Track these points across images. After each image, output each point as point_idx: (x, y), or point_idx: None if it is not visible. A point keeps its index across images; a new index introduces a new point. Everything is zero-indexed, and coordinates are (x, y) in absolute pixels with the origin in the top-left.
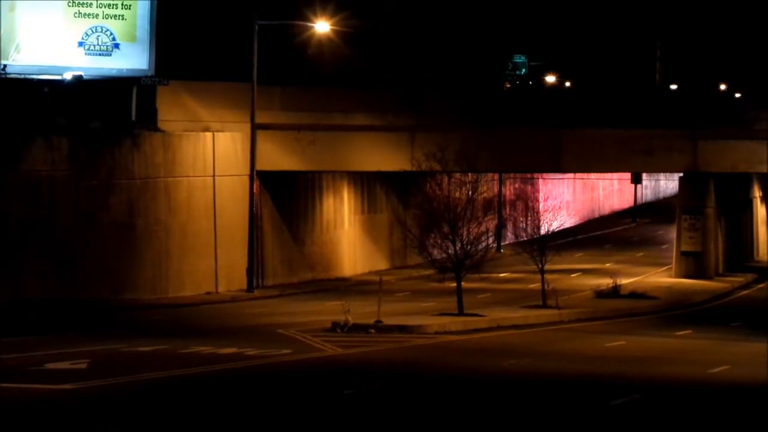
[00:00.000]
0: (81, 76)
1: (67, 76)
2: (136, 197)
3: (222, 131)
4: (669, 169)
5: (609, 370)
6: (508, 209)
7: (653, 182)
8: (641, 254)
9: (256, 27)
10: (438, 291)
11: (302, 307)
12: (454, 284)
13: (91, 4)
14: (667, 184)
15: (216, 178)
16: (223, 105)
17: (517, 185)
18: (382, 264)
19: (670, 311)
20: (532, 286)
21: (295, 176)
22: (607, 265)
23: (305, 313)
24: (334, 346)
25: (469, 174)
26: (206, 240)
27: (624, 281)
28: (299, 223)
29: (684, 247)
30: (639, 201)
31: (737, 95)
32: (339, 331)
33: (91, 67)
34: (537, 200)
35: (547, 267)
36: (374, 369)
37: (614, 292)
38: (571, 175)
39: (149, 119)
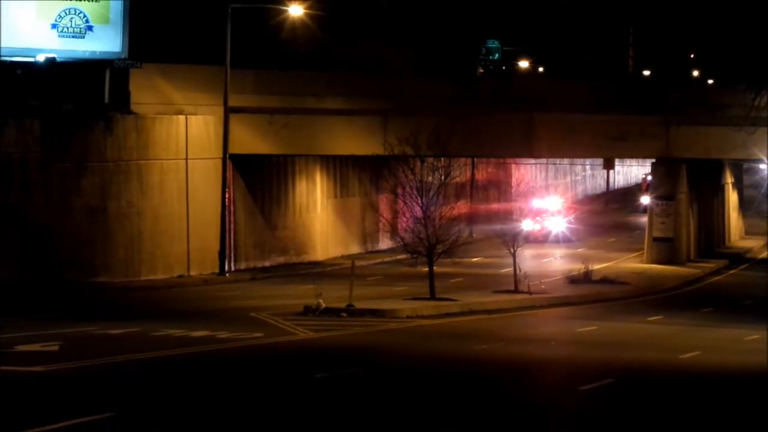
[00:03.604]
0: (54, 59)
1: (40, 58)
2: (109, 180)
3: (195, 114)
4: (641, 155)
5: (580, 354)
6: (480, 194)
7: (625, 168)
8: (613, 240)
9: (230, 10)
10: (410, 275)
11: (274, 290)
12: (427, 269)
13: None
14: (640, 170)
15: (189, 161)
16: (196, 88)
17: (489, 170)
18: (355, 248)
19: (642, 297)
20: (504, 271)
21: (268, 160)
22: (579, 250)
23: (277, 296)
24: (306, 329)
25: (442, 158)
26: (178, 223)
27: (596, 267)
28: (272, 207)
29: (656, 233)
30: (611, 187)
31: (710, 81)
32: (311, 314)
33: (64, 50)
34: (510, 185)
35: (519, 252)
36: (346, 353)
37: (586, 277)
38: (543, 160)
39: (122, 102)
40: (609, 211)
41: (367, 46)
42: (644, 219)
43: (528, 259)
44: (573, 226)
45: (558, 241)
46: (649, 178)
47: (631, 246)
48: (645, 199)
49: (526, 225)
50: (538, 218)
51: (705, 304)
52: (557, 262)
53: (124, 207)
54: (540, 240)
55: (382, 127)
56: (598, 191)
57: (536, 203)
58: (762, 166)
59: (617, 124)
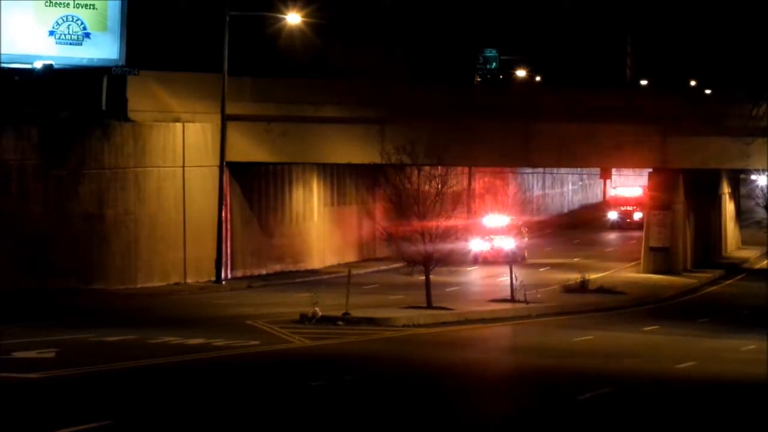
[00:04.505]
0: (51, 66)
1: (38, 65)
2: (106, 187)
3: (192, 122)
4: (638, 165)
5: (577, 364)
6: (477, 203)
7: (622, 178)
8: (609, 249)
9: (227, 18)
10: (407, 284)
11: (271, 298)
12: (423, 277)
13: None
14: (636, 179)
15: (186, 168)
16: (194, 96)
17: (486, 179)
18: (351, 256)
19: (638, 307)
20: (500, 280)
21: (264, 167)
22: (576, 259)
23: (274, 304)
24: (302, 337)
25: (439, 167)
26: (175, 230)
27: (592, 276)
28: (269, 215)
29: (652, 243)
30: (608, 196)
31: (707, 91)
32: (307, 323)
33: (61, 57)
34: (506, 194)
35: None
36: (342, 361)
37: (582, 287)
38: (540, 169)
39: (119, 109)
40: (589, 225)
41: (364, 54)
42: (612, 236)
43: (480, 279)
44: (525, 245)
45: (508, 260)
46: (618, 193)
47: (628, 256)
48: (612, 215)
49: (475, 245)
50: (488, 237)
51: (701, 314)
52: (551, 272)
53: (121, 214)
54: (489, 261)
55: (380, 136)
56: (595, 201)
57: (487, 222)
58: (754, 177)
59: (614, 134)
